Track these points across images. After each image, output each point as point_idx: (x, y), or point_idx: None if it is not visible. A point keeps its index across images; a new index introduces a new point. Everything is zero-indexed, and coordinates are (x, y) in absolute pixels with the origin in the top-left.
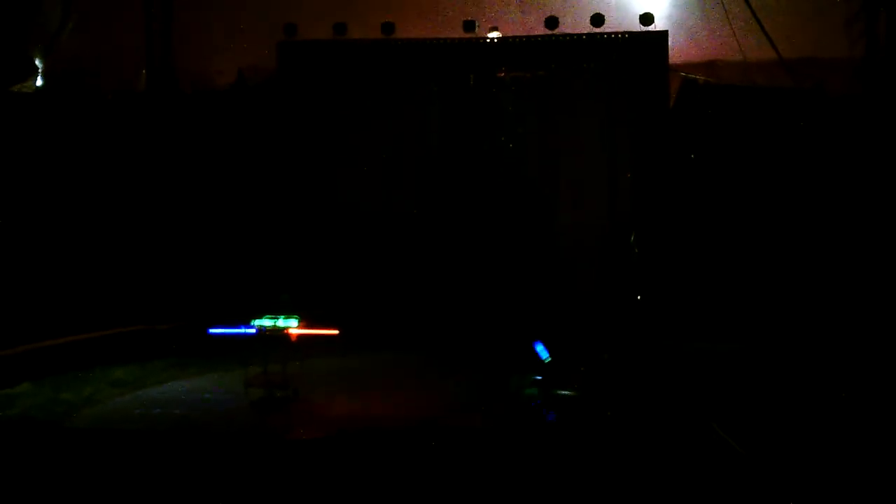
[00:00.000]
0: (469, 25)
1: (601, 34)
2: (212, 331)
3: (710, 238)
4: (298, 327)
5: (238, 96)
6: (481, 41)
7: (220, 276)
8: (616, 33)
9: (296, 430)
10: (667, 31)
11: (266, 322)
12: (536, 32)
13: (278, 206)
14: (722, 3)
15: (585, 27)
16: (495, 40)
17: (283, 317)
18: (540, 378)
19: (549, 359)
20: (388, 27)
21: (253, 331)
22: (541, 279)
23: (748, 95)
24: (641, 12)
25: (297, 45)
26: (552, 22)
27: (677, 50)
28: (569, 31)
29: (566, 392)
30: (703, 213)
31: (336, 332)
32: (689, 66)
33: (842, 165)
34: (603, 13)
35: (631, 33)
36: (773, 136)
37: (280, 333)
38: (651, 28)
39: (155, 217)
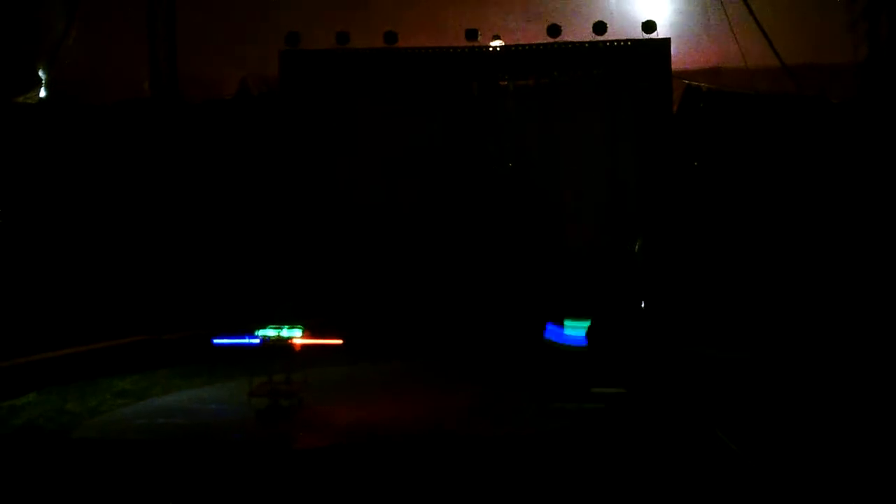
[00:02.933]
0: (471, 34)
1: (604, 42)
2: (216, 341)
3: (715, 245)
4: (302, 337)
5: (242, 105)
6: (484, 50)
7: (224, 286)
8: (619, 41)
9: (301, 440)
10: (669, 39)
11: (270, 332)
12: (539, 40)
13: (282, 215)
14: (724, 10)
15: (588, 35)
16: (498, 49)
17: (287, 326)
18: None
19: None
20: (391, 36)
21: (257, 341)
22: (545, 286)
23: (751, 102)
24: (644, 20)
25: (300, 54)
26: (554, 30)
27: (680, 57)
28: (571, 39)
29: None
30: (708, 220)
31: (340, 341)
32: (691, 74)
33: (846, 171)
34: (605, 21)
35: (633, 41)
36: (777, 143)
37: (284, 343)
38: (654, 35)
39: (159, 227)
